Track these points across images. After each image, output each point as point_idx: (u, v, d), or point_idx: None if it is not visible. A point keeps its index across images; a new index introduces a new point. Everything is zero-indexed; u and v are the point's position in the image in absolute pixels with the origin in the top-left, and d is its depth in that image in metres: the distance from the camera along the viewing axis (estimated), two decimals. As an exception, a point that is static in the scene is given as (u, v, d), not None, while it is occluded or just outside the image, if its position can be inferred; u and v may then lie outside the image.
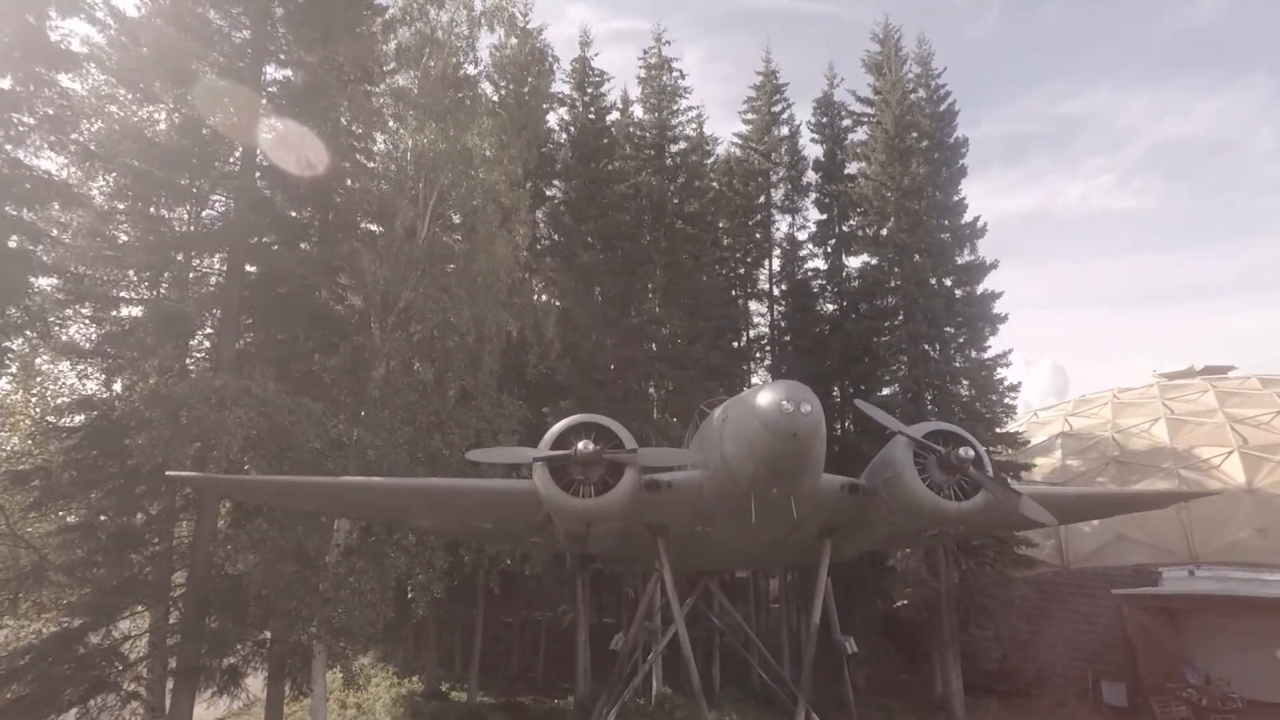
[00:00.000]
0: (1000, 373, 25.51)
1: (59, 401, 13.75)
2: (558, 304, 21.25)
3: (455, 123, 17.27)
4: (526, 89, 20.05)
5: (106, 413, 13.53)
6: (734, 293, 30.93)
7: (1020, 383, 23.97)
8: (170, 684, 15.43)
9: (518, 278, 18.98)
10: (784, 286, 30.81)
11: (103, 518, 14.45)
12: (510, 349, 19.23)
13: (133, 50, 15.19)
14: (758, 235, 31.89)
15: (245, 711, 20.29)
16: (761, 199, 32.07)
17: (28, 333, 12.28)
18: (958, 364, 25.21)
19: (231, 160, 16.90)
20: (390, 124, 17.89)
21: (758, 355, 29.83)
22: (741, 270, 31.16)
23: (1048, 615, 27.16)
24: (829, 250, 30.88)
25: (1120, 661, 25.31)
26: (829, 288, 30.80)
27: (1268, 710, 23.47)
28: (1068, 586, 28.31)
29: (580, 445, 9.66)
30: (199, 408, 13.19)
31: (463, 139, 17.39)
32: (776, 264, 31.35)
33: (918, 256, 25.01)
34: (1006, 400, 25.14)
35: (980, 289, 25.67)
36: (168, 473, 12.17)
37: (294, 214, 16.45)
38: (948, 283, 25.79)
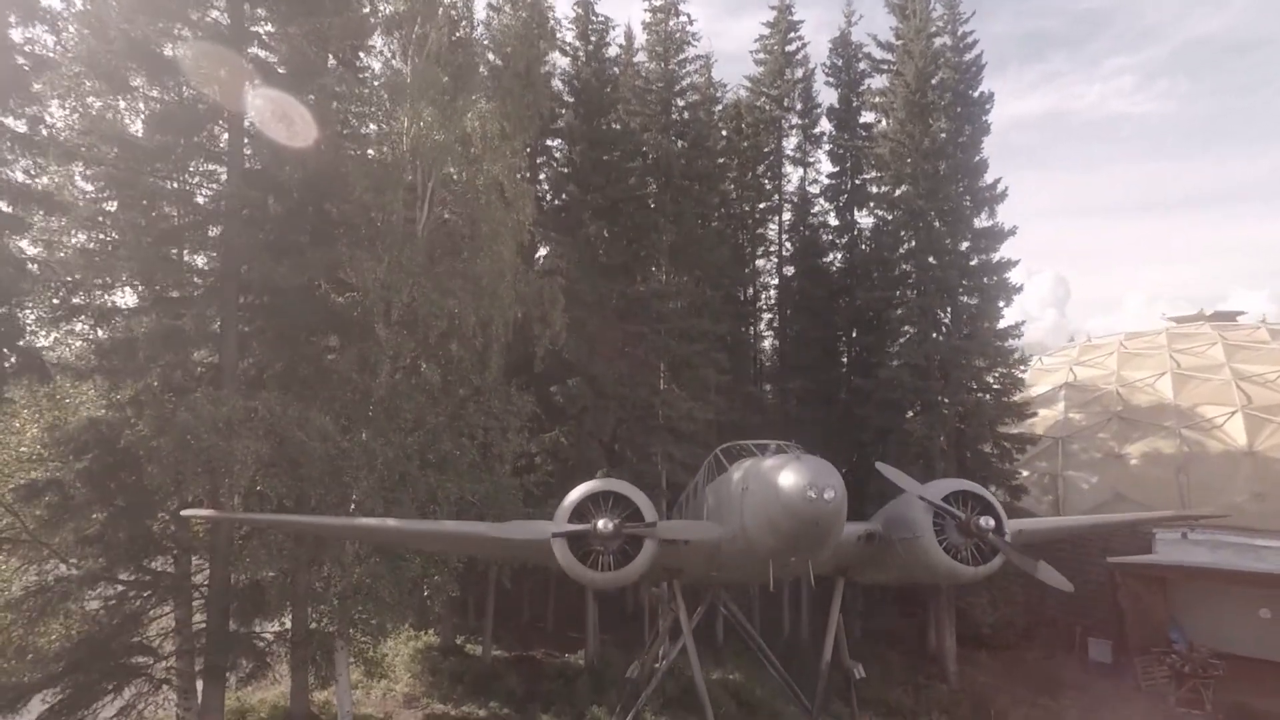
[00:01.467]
0: (1012, 342, 25.20)
1: (68, 426, 13.55)
2: (562, 280, 20.59)
3: (452, 109, 16.21)
4: (524, 64, 18.67)
5: (113, 440, 13.39)
6: (743, 248, 30.17)
7: (1031, 356, 23.64)
8: (200, 680, 16.07)
9: (522, 268, 18.34)
10: (794, 245, 30.01)
11: (121, 534, 14.53)
12: (517, 337, 18.82)
13: (101, 40, 14.07)
14: (767, 185, 30.79)
15: (276, 684, 21.14)
16: (770, 147, 30.75)
17: (24, 379, 11.95)
18: (968, 333, 24.80)
19: (219, 146, 16.08)
20: (385, 105, 16.76)
21: (766, 319, 29.37)
22: (750, 224, 30.28)
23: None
24: (840, 204, 29.92)
25: (1108, 619, 26.35)
26: (838, 242, 30.03)
27: (1251, 664, 24.70)
28: (1062, 543, 29.02)
29: (600, 524, 9.60)
30: (207, 437, 13.05)
31: (460, 123, 16.38)
32: (786, 219, 30.40)
33: (936, 223, 24.19)
34: (1016, 373, 24.94)
35: (996, 257, 24.96)
36: (183, 512, 12.12)
37: (286, 212, 15.70)
38: (963, 246, 25.01)
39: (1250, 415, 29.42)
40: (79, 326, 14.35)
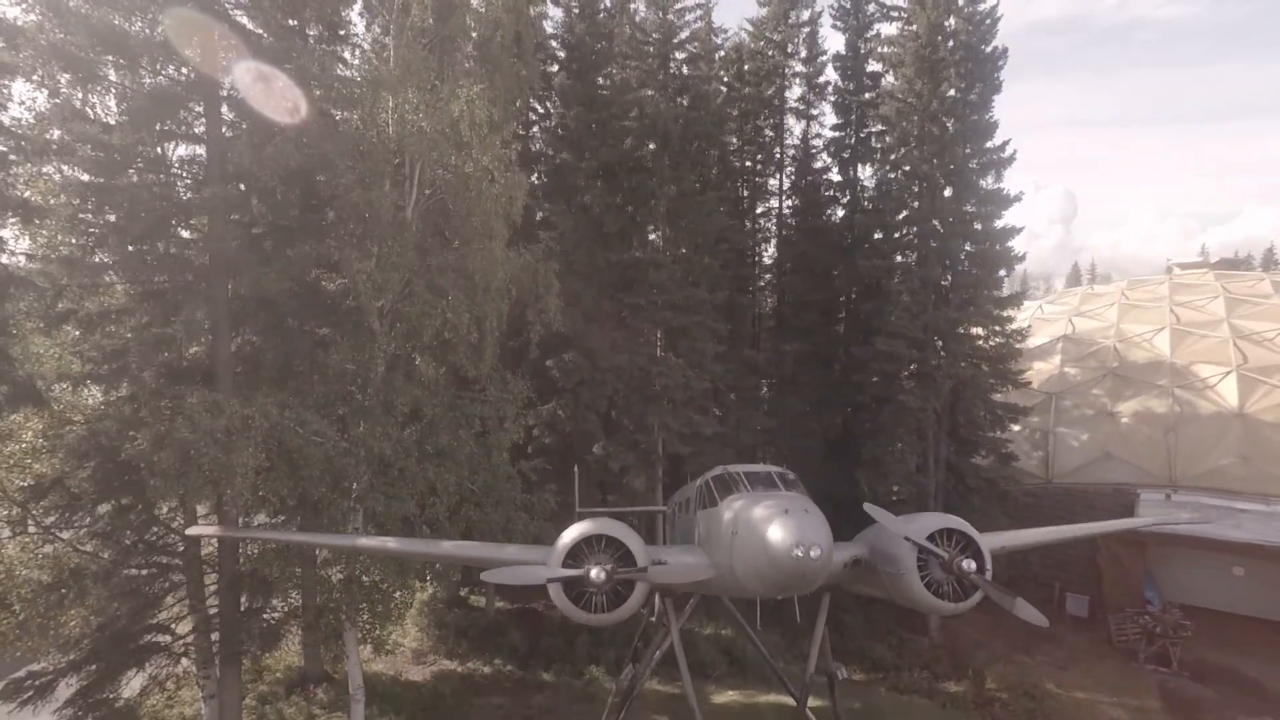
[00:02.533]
0: (1011, 311, 25.07)
1: (68, 436, 13.69)
2: (556, 248, 20.10)
3: (438, 96, 15.51)
4: (514, 33, 17.59)
5: (114, 452, 13.55)
6: (742, 203, 29.48)
7: (1029, 326, 23.56)
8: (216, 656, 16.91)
9: (515, 255, 17.96)
10: (795, 202, 29.32)
11: (128, 532, 14.96)
12: (511, 313, 18.65)
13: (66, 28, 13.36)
14: (769, 135, 29.77)
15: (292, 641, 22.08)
16: (773, 90, 29.50)
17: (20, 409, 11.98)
18: (967, 298, 24.60)
19: (196, 130, 15.51)
20: (366, 93, 16.00)
21: (766, 279, 29.01)
22: (750, 180, 29.50)
23: (1025, 524, 28.62)
24: (845, 157, 29.03)
25: (1086, 575, 27.33)
26: (840, 199, 29.33)
27: (1222, 618, 25.89)
28: (1049, 499, 29.81)
29: (594, 574, 9.86)
30: (208, 450, 13.23)
31: (448, 110, 15.71)
32: (788, 174, 29.57)
33: (943, 190, 23.56)
34: (1014, 343, 24.90)
35: (1000, 223, 24.44)
36: (188, 531, 12.42)
37: (271, 211, 15.31)
38: (967, 208, 24.42)
39: (1244, 375, 29.56)
40: (70, 334, 14.24)
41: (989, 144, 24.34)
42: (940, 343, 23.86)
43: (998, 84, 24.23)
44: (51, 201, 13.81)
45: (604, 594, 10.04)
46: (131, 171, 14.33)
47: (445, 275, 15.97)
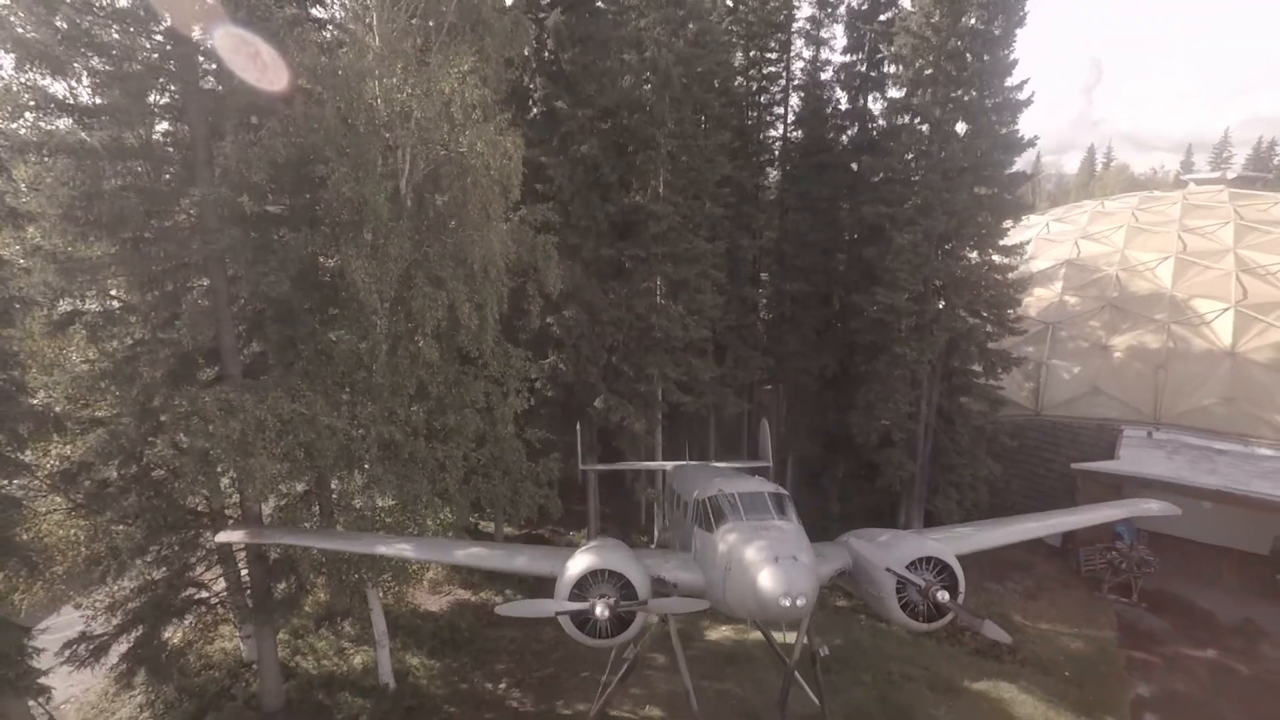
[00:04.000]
0: (1015, 259, 24.87)
1: (89, 438, 14.23)
2: (555, 239, 19.58)
3: (426, 72, 14.77)
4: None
5: (135, 455, 14.13)
6: (746, 131, 28.39)
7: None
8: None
9: (515, 227, 17.69)
10: (801, 132, 28.23)
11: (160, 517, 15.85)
12: (511, 291, 18.70)
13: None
14: (774, 57, 28.17)
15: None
16: (779, 2, 27.60)
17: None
18: (973, 244, 24.38)
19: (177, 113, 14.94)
20: (345, 56, 15.16)
21: (765, 217, 28.42)
22: (754, 111, 28.28)
23: (1010, 455, 29.70)
24: (856, 85, 27.68)
25: (1064, 506, 28.74)
26: (847, 128, 28.23)
27: (1189, 546, 27.53)
28: (1035, 433, 30.85)
29: (599, 611, 10.69)
30: (228, 454, 13.83)
31: (439, 87, 15.01)
32: (793, 110, 28.30)
33: (960, 128, 22.67)
34: (1013, 292, 24.89)
35: (1010, 170, 23.74)
36: (217, 538, 13.23)
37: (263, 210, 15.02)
38: (979, 154, 23.62)
39: (1241, 312, 29.68)
40: (77, 336, 14.43)
41: (1007, 82, 23.15)
42: (940, 297, 23.82)
43: (1021, 17, 22.70)
44: (39, 205, 13.58)
45: (608, 622, 10.96)
46: (114, 172, 13.87)
47: (444, 264, 15.87)
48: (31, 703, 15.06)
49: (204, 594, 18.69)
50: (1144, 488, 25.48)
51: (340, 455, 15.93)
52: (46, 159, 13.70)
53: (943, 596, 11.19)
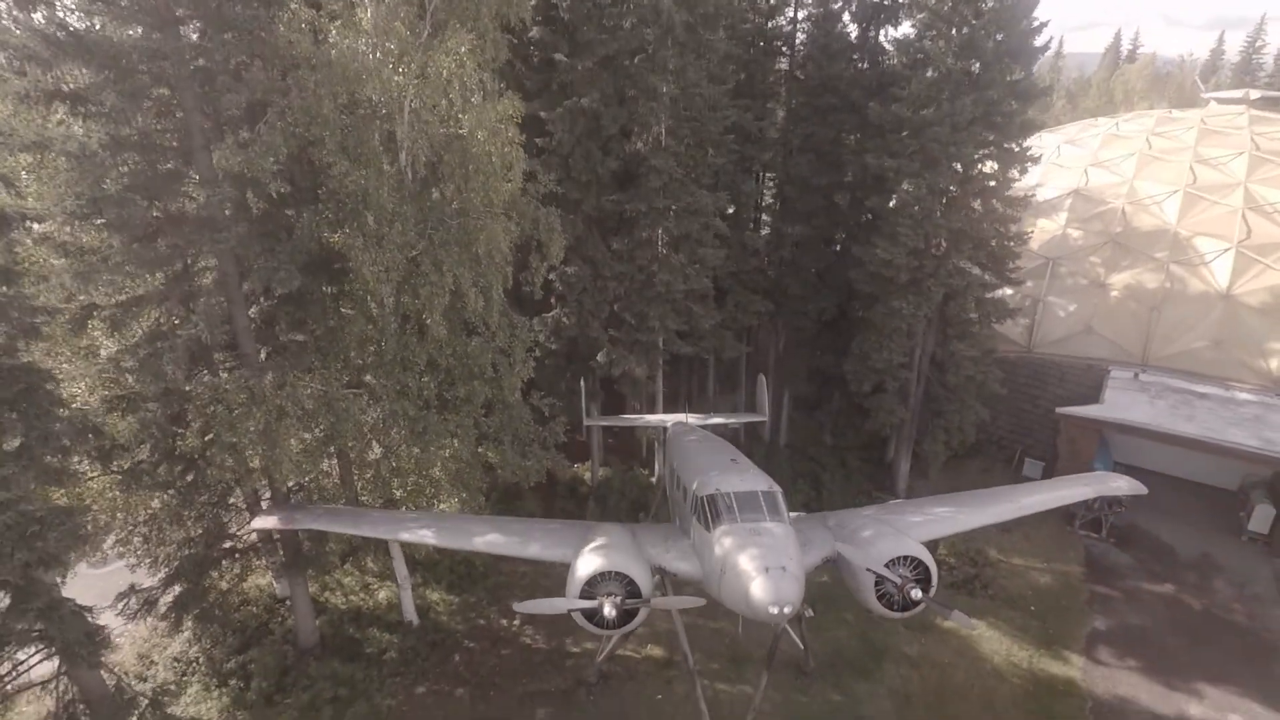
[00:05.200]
0: (1017, 211, 24.74)
1: (120, 426, 15.04)
2: (554, 158, 19.30)
3: (418, 47, 14.42)
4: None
5: (167, 445, 15.00)
6: (751, 65, 27.38)
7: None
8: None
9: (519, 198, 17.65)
10: (806, 71, 27.19)
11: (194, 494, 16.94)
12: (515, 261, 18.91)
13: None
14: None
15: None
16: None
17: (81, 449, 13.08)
18: (977, 199, 24.24)
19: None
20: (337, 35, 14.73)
21: (769, 156, 27.83)
22: (762, 32, 27.16)
23: (997, 406, 30.33)
24: (868, 17, 26.43)
25: (1045, 444, 30.07)
26: (858, 61, 27.17)
27: (1163, 480, 28.73)
28: (1025, 369, 31.67)
29: (606, 610, 11.88)
30: (255, 445, 14.72)
31: (437, 68, 14.70)
32: (799, 43, 27.08)
33: (971, 71, 21.97)
34: (1014, 246, 24.91)
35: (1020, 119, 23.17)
36: (253, 524, 14.28)
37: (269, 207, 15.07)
38: (990, 97, 22.96)
39: (1242, 253, 29.74)
40: (97, 331, 14.92)
41: (1022, 27, 22.19)
42: (939, 252, 23.90)
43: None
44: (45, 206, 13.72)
45: (615, 616, 12.19)
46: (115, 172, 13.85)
47: (448, 249, 16.07)
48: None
49: (239, 545, 20.18)
50: (1125, 434, 26.71)
51: (357, 433, 16.83)
52: (46, 158, 13.73)
53: (916, 595, 12.40)
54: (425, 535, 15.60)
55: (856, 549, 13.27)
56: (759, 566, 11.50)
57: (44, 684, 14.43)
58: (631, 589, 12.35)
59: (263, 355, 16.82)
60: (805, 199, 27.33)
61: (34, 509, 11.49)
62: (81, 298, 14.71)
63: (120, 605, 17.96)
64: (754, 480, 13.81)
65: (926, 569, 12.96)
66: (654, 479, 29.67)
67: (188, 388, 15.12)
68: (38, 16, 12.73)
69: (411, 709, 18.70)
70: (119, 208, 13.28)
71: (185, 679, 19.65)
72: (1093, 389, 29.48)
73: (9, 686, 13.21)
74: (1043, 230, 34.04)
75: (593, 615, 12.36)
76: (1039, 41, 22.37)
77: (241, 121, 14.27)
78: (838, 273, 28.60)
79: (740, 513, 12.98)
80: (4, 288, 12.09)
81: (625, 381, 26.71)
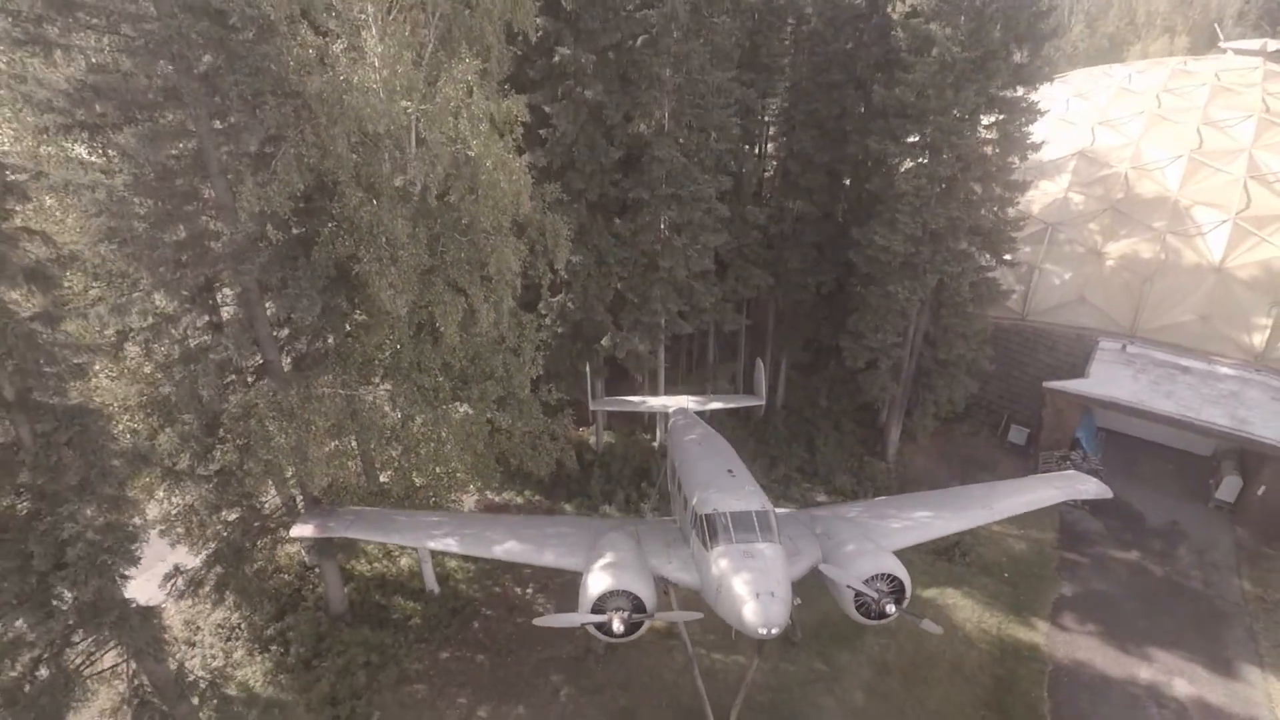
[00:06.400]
0: (1016, 195, 25.04)
1: (161, 439, 16.23)
2: (568, 218, 19.69)
3: (432, 92, 14.72)
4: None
5: (202, 452, 16.25)
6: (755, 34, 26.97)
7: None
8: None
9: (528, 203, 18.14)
10: (811, 47, 26.78)
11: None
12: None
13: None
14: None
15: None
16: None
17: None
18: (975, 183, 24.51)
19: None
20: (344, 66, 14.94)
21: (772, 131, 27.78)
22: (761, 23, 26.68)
23: (984, 377, 31.28)
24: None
25: (1032, 411, 31.32)
26: (863, 32, 26.74)
27: (1144, 445, 30.59)
28: (1017, 336, 32.59)
29: (615, 625, 13.37)
30: (287, 456, 15.95)
31: (446, 97, 15.02)
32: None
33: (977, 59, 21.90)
34: (1011, 231, 25.32)
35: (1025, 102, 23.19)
36: (292, 532, 15.70)
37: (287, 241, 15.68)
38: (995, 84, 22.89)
39: (1239, 225, 30.04)
40: (133, 353, 15.85)
41: (1032, 8, 21.91)
42: (936, 239, 24.36)
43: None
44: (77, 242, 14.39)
45: (622, 624, 13.72)
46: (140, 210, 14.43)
47: (460, 268, 16.76)
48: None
49: (270, 524, 21.75)
50: (1109, 408, 27.88)
51: (381, 437, 18.04)
52: (68, 199, 14.29)
53: (890, 610, 13.94)
54: (450, 544, 17.03)
55: (839, 567, 14.70)
56: (751, 592, 12.91)
57: (113, 669, 16.21)
58: (637, 604, 13.86)
59: (286, 361, 17.87)
60: (807, 175, 27.50)
61: (103, 539, 12.79)
62: (116, 326, 15.61)
63: (168, 586, 19.71)
64: (749, 499, 15.06)
65: (901, 583, 14.44)
66: (655, 443, 31.19)
67: (222, 405, 16.22)
68: (60, 76, 12.99)
69: (437, 673, 20.76)
70: (149, 249, 13.97)
71: (230, 644, 21.71)
72: (1081, 358, 30.50)
73: (85, 675, 14.92)
74: (1045, 193, 34.14)
75: (602, 625, 13.91)
76: (1047, 26, 22.08)
77: (258, 158, 14.68)
78: (838, 246, 29.06)
79: (735, 533, 14.31)
80: (50, 331, 12.93)
81: (629, 357, 27.69)
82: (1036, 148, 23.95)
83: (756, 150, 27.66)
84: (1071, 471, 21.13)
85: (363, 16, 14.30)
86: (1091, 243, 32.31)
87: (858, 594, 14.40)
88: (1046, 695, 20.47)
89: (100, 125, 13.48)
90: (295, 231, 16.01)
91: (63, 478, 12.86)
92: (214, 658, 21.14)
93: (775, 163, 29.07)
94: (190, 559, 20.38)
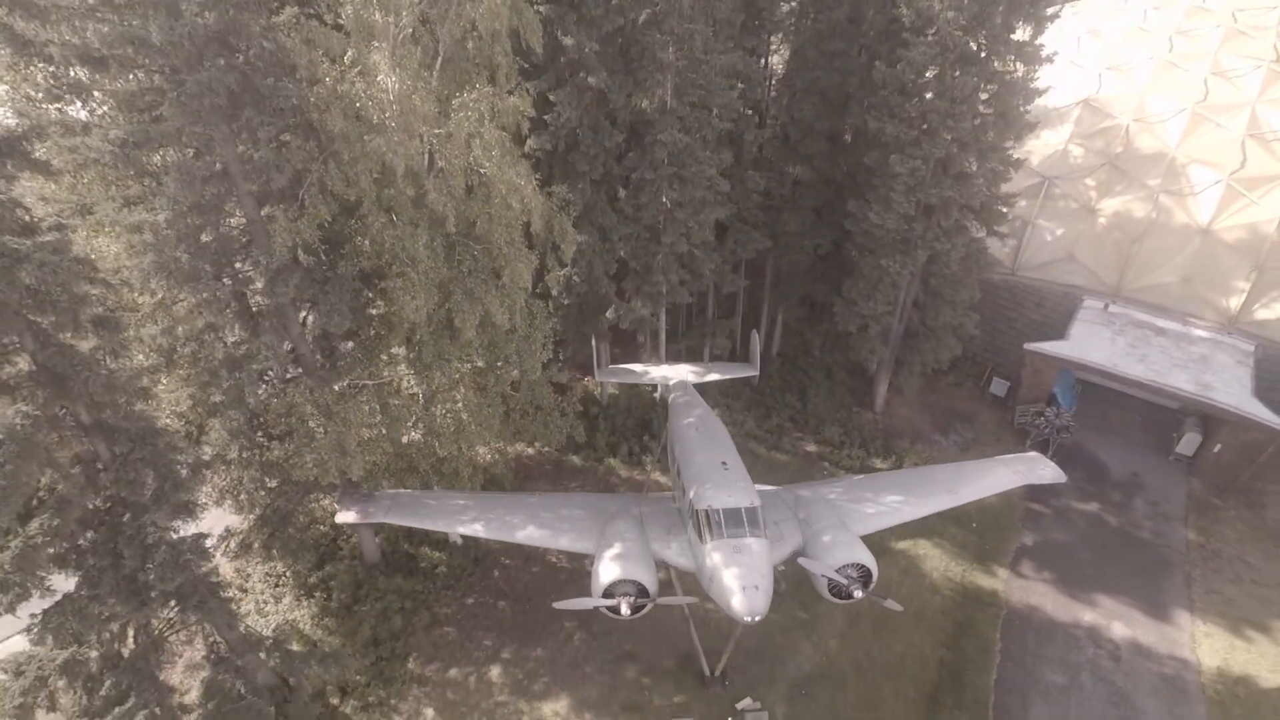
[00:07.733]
0: (1010, 171, 25.62)
1: (212, 436, 18.08)
2: (575, 212, 20.34)
3: (447, 125, 15.52)
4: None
5: (249, 446, 18.14)
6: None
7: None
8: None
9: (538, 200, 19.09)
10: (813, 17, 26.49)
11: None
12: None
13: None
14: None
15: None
16: None
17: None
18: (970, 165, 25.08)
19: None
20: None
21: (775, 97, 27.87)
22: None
23: (978, 310, 32.79)
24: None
25: (1014, 365, 32.96)
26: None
27: (1119, 397, 32.00)
28: (1006, 291, 33.80)
29: (623, 610, 15.66)
30: (329, 458, 17.89)
31: (459, 127, 15.83)
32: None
33: (979, 44, 22.12)
34: (1004, 208, 26.04)
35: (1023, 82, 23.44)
36: (337, 518, 17.87)
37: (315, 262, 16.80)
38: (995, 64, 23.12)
39: (1232, 185, 30.54)
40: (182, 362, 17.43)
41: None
42: (929, 215, 25.18)
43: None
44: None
45: (629, 607, 16.06)
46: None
47: (476, 278, 18.01)
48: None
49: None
50: (1089, 370, 29.46)
51: (405, 422, 19.93)
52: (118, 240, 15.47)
53: (858, 594, 16.29)
54: (476, 529, 19.21)
55: (816, 558, 16.91)
56: (739, 585, 15.14)
57: (192, 631, 18.85)
58: (641, 589, 16.16)
59: (318, 358, 19.47)
60: (808, 142, 27.90)
61: (183, 540, 14.90)
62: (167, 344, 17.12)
63: (222, 547, 22.22)
64: (740, 495, 17.04)
65: (869, 571, 16.74)
66: (656, 396, 33.08)
67: (267, 403, 17.98)
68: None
69: (464, 618, 23.61)
70: (192, 281, 15.28)
71: (279, 589, 24.49)
72: (1065, 315, 31.82)
73: (169, 639, 17.54)
74: (1045, 144, 34.35)
75: (612, 608, 16.28)
76: (1050, 10, 22.06)
77: (286, 192, 15.64)
78: (836, 210, 29.79)
79: (726, 528, 16.37)
80: (116, 363, 14.49)
81: (633, 321, 29.12)
82: (1034, 126, 24.31)
83: (757, 118, 27.81)
84: (1034, 454, 23.03)
85: (377, 45, 14.85)
86: (1086, 199, 32.86)
87: (830, 580, 16.69)
88: (999, 637, 23.36)
89: (148, 171, 14.47)
90: (324, 252, 17.11)
91: (140, 490, 14.78)
92: (265, 603, 23.95)
93: (775, 119, 29.25)
94: (233, 517, 22.87)
